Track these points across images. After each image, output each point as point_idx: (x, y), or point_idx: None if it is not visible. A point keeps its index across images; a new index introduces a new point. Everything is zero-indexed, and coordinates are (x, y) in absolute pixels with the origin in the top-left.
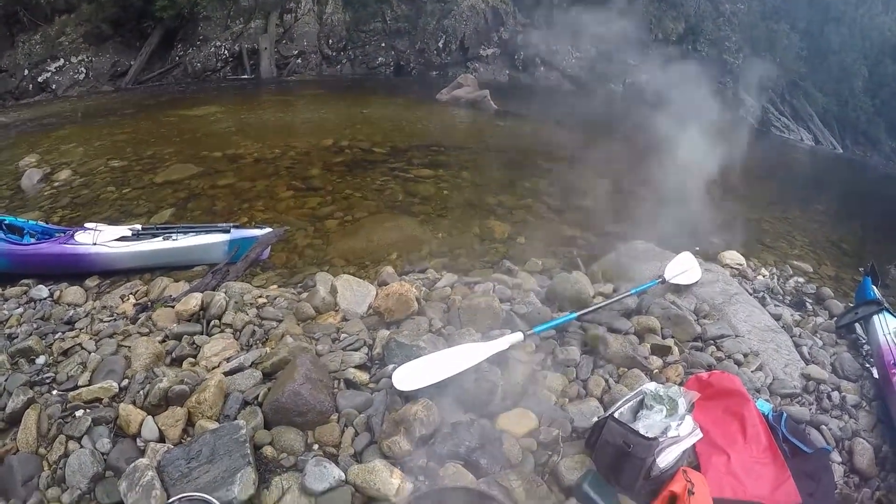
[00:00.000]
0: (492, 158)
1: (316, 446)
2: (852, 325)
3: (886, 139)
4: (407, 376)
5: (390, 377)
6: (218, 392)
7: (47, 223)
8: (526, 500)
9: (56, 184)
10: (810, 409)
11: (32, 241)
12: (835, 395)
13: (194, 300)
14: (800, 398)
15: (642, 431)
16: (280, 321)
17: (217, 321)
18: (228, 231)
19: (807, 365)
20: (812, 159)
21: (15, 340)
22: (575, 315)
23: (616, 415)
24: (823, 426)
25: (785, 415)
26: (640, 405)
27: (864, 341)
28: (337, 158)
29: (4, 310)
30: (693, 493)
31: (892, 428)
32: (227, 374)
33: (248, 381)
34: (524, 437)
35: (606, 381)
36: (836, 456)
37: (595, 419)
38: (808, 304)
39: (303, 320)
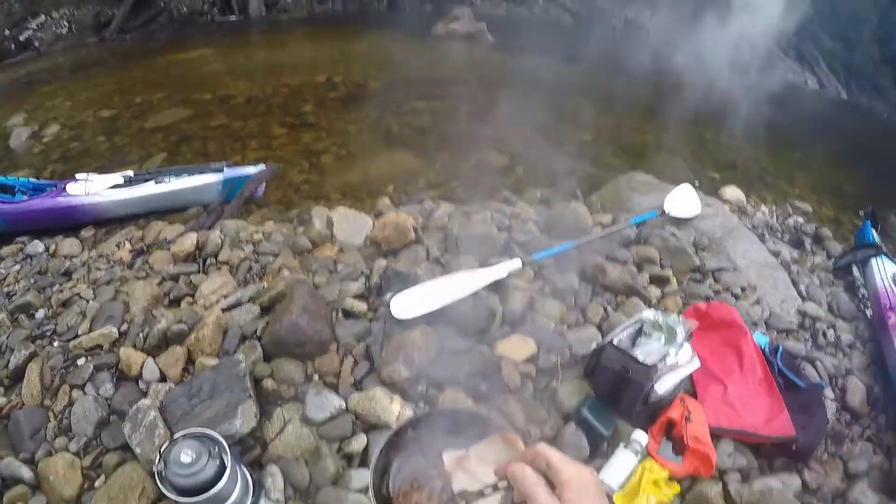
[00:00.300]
0: (488, 91)
1: (316, 376)
2: (850, 266)
3: (892, 88)
4: (405, 304)
5: (388, 306)
6: (216, 329)
7: (38, 179)
8: (525, 424)
9: (45, 139)
10: (806, 345)
11: (24, 197)
12: (830, 333)
13: (190, 240)
14: (796, 334)
15: (641, 358)
16: (276, 256)
17: (213, 259)
18: (222, 170)
19: (803, 302)
20: (816, 103)
21: (13, 298)
22: (574, 244)
23: (615, 341)
24: (818, 362)
25: (781, 348)
26: (639, 332)
27: (860, 284)
28: (331, 94)
29: (1, 269)
30: (690, 420)
31: (884, 369)
32: (224, 310)
33: (247, 316)
34: (523, 364)
35: (605, 309)
36: (829, 392)
37: (594, 345)
38: (806, 243)
39: (299, 254)
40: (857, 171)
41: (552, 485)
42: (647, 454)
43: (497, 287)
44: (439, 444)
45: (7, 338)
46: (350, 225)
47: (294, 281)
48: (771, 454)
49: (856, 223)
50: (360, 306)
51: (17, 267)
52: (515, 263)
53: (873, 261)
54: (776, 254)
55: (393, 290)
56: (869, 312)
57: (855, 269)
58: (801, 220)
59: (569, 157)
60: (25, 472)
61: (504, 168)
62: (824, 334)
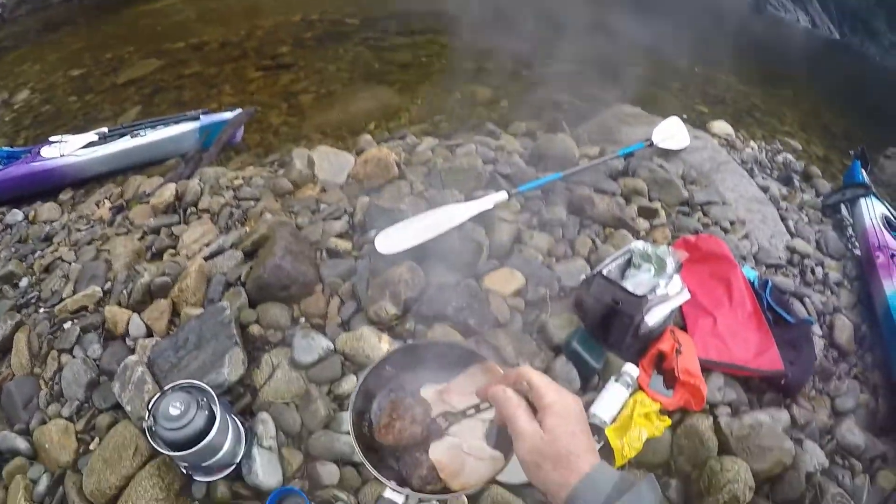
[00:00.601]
0: (471, 24)
1: (302, 319)
2: (838, 205)
3: (886, 30)
4: (390, 240)
5: (373, 243)
6: (199, 277)
7: (12, 147)
8: (515, 358)
9: (16, 106)
10: (794, 282)
11: None
12: (818, 270)
13: (168, 191)
14: (784, 269)
15: (630, 289)
16: (258, 200)
17: (193, 208)
18: (198, 118)
19: (792, 238)
20: (808, 41)
21: None
22: (560, 175)
23: (604, 272)
24: (806, 298)
25: (770, 283)
26: (628, 264)
27: (848, 223)
28: (307, 33)
29: None
30: (680, 353)
31: (871, 309)
32: (207, 258)
33: (230, 263)
34: (511, 297)
35: (593, 241)
36: (816, 329)
37: (583, 277)
38: (795, 180)
39: (281, 196)
40: (847, 112)
41: (534, 409)
42: (637, 387)
43: (483, 220)
44: (419, 380)
45: None
46: (331, 164)
47: (276, 223)
48: (760, 389)
49: (845, 163)
50: (345, 245)
51: None
52: (501, 195)
53: (862, 201)
54: (765, 189)
55: (377, 226)
56: (857, 252)
57: (843, 209)
58: (790, 157)
59: (554, 89)
60: (21, 444)
61: (488, 101)
62: (812, 271)
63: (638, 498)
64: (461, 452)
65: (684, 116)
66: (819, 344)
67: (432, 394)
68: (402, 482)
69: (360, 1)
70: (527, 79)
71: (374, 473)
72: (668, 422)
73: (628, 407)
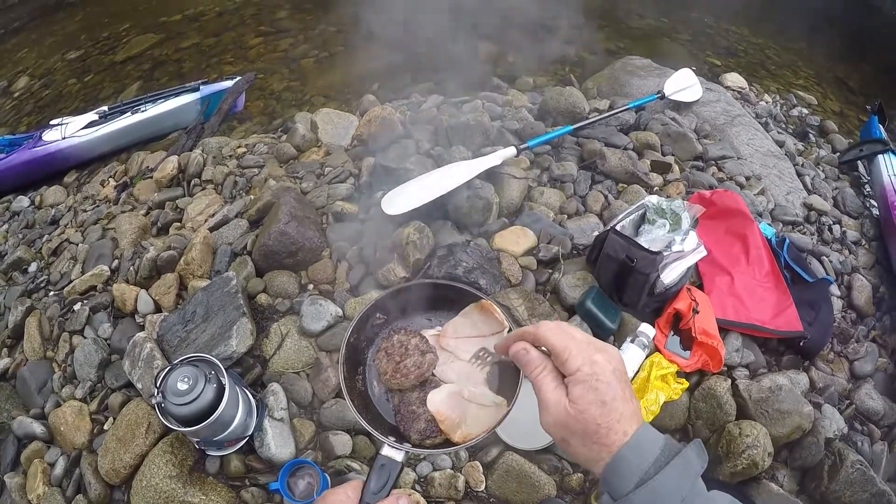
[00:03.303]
0: None
1: (311, 286)
2: (855, 161)
3: None
4: (396, 201)
5: (379, 204)
6: (205, 249)
7: (14, 134)
8: (528, 318)
9: (16, 94)
10: (812, 240)
11: (1, 156)
12: (836, 228)
13: (171, 164)
14: (801, 227)
15: (645, 246)
16: (262, 167)
17: (197, 179)
18: (198, 89)
19: (809, 195)
20: None
21: (5, 257)
22: (570, 128)
23: (618, 228)
24: (824, 257)
25: (788, 240)
26: (642, 219)
27: (866, 180)
28: None
29: None
30: (698, 312)
31: (889, 269)
32: (212, 229)
33: (235, 232)
34: (523, 256)
35: (605, 196)
36: (834, 289)
37: (596, 234)
38: (811, 135)
39: (285, 162)
40: (864, 66)
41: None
42: (654, 348)
43: (492, 177)
44: (412, 325)
45: (3, 298)
46: (335, 126)
47: (280, 189)
48: (777, 350)
49: (861, 118)
50: (351, 208)
51: (5, 226)
52: (510, 151)
53: (880, 157)
54: (781, 143)
55: (384, 187)
56: (875, 210)
57: (860, 165)
58: (805, 110)
59: (561, 42)
60: (38, 428)
61: (494, 56)
62: (830, 229)
63: (685, 465)
64: (462, 400)
65: (694, 68)
66: (837, 305)
67: (429, 340)
68: (402, 439)
69: None
70: (532, 32)
71: (370, 429)
72: (686, 384)
73: (644, 369)
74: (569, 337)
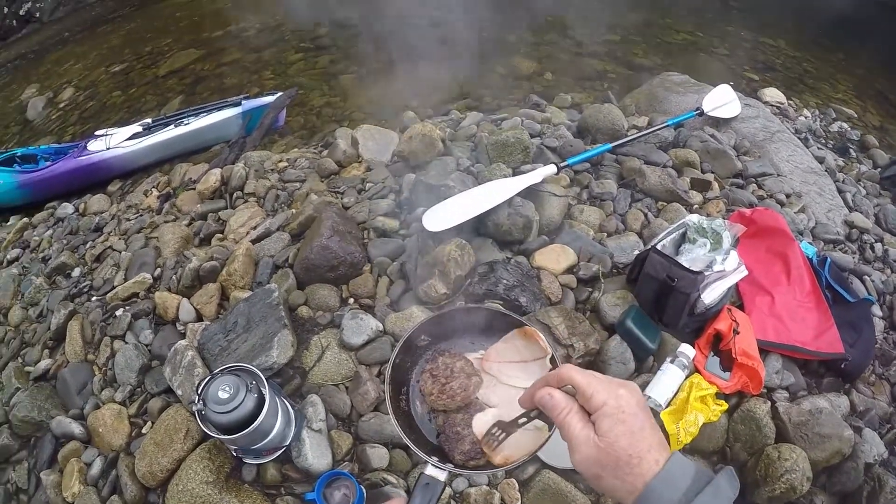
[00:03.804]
0: None
1: (351, 300)
2: None
3: None
4: (437, 217)
5: (420, 221)
6: (247, 261)
7: (59, 143)
8: (569, 338)
9: (61, 105)
10: (853, 258)
11: (47, 164)
12: (878, 246)
13: (214, 177)
14: (843, 245)
15: (686, 265)
16: (303, 181)
17: (240, 192)
18: (240, 104)
19: (850, 212)
20: (858, 4)
21: (49, 261)
22: (609, 146)
23: (658, 247)
24: (866, 276)
25: (829, 260)
26: (683, 238)
27: None
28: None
29: (35, 236)
30: (738, 333)
31: None
32: (254, 241)
33: (277, 245)
34: (563, 274)
35: (645, 214)
36: (876, 309)
37: (636, 253)
38: (851, 150)
39: (326, 176)
40: None
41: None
42: (693, 369)
43: (532, 195)
44: (456, 348)
45: (47, 301)
46: (376, 142)
47: (322, 204)
48: (817, 372)
49: None
50: (392, 224)
51: (50, 232)
52: (550, 169)
53: None
54: (821, 160)
55: (424, 204)
56: None
57: None
58: (845, 125)
59: (598, 59)
60: (76, 428)
61: (532, 74)
62: (872, 248)
63: (716, 493)
64: None
65: (732, 84)
66: (879, 325)
67: (473, 363)
68: (445, 458)
69: None
70: (570, 49)
71: (415, 449)
72: (725, 406)
73: (684, 390)
74: (591, 375)
